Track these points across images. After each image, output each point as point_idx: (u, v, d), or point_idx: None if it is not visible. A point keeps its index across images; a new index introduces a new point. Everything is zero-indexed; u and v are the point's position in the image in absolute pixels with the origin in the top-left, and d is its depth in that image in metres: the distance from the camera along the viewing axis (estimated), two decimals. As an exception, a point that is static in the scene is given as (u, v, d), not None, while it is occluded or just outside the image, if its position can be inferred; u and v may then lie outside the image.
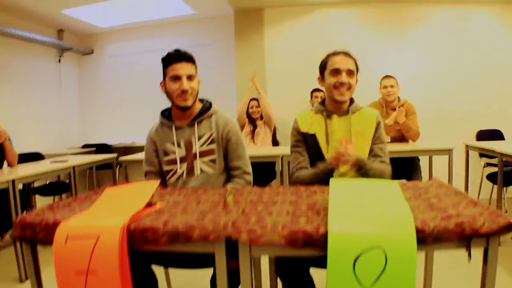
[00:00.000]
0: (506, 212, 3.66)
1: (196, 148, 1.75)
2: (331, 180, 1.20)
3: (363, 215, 0.99)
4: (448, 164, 3.03)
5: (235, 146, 1.78)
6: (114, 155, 3.66)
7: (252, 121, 3.78)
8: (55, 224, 1.06)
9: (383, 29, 4.36)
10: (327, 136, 1.77)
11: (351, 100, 1.83)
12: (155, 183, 1.27)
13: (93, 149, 5.03)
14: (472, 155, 3.60)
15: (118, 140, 5.23)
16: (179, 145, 1.76)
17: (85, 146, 5.18)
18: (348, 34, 4.35)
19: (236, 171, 1.78)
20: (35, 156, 3.59)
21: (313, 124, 1.80)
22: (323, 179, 1.58)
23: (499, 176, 2.98)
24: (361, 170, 1.65)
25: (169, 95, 1.74)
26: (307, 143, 1.79)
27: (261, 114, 3.76)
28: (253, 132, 3.73)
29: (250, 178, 1.80)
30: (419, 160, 3.40)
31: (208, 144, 1.76)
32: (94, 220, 1.07)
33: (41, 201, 3.81)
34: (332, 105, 1.81)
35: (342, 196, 1.11)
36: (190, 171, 1.75)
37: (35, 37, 4.59)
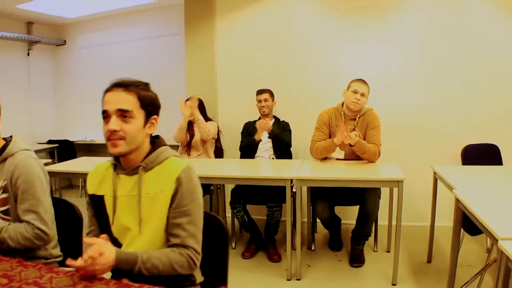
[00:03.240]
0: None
1: None
2: None
3: None
4: (397, 197, 2.45)
5: (23, 197, 1.47)
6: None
7: (189, 127, 3.42)
8: None
9: (351, 17, 3.65)
10: (115, 201, 1.30)
11: (153, 149, 1.31)
12: None
13: (56, 145, 4.94)
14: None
15: (91, 136, 5.11)
16: None
17: (49, 142, 5.07)
18: (309, 24, 3.75)
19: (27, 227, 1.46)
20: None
21: (104, 183, 1.35)
22: None
23: (455, 224, 2.14)
24: (134, 272, 1.17)
25: None
26: (95, 208, 1.36)
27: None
28: (189, 143, 3.44)
29: (44, 236, 1.47)
30: None
31: (2, 193, 1.49)
32: None
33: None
34: (122, 158, 1.32)
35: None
36: None
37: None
